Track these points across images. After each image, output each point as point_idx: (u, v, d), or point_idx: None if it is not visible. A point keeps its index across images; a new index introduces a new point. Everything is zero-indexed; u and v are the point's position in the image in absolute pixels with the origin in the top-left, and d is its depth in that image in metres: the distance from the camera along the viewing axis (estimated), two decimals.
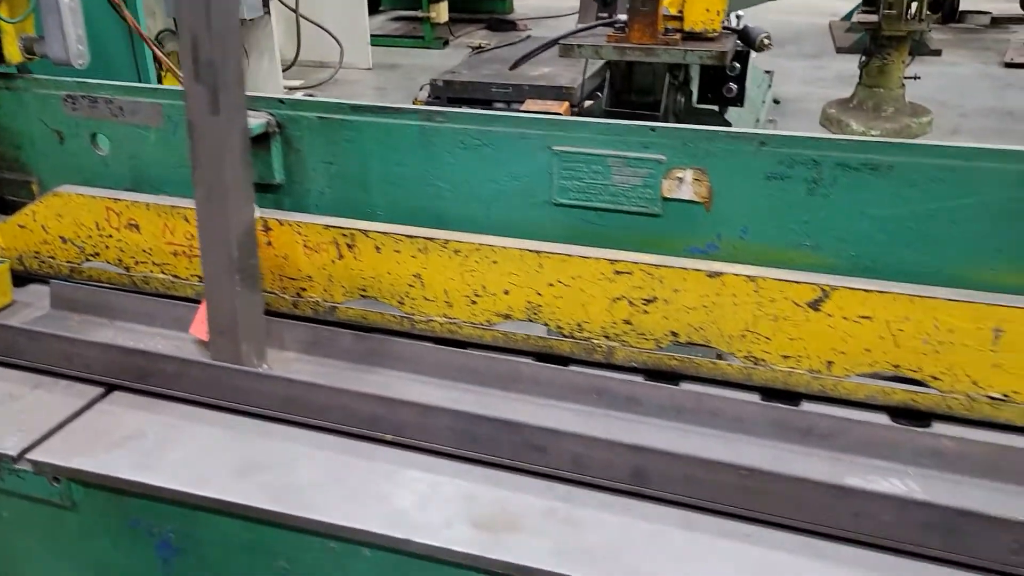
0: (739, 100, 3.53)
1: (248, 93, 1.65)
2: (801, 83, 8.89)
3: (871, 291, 1.46)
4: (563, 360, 1.67)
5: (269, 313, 1.77)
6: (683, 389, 1.50)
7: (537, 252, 1.61)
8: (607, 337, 1.64)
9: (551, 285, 1.62)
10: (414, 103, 7.28)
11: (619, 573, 1.19)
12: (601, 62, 3.75)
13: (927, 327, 1.45)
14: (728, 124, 3.64)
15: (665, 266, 1.55)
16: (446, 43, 9.47)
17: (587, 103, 4.31)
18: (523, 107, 5.59)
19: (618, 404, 1.51)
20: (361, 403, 1.41)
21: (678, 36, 3.19)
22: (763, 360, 1.56)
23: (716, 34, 3.21)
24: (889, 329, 1.47)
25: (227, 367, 1.49)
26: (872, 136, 6.96)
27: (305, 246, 1.73)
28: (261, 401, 1.46)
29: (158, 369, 1.53)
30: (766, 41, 3.32)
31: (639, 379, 1.55)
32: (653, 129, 1.59)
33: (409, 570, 1.28)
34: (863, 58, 6.97)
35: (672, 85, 3.44)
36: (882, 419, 1.46)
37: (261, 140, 1.77)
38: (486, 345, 1.70)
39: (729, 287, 1.53)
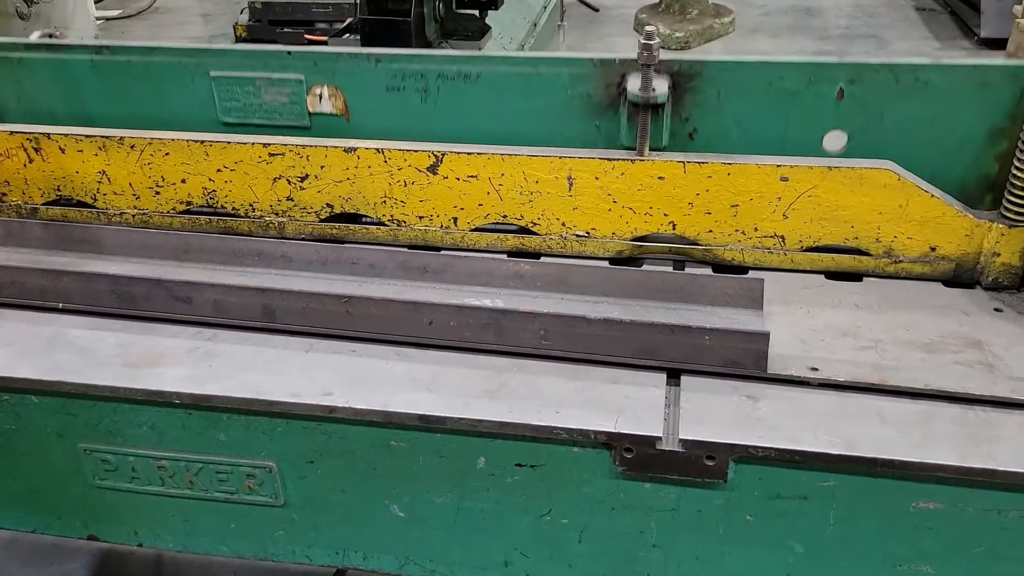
0: (494, 4, 3.77)
1: None
2: None
3: (472, 153, 1.75)
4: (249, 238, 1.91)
5: None
6: (326, 245, 1.76)
7: (201, 142, 1.83)
8: (276, 214, 1.89)
9: (219, 171, 1.86)
10: (235, 27, 7.23)
11: (236, 387, 1.46)
12: None
13: (519, 180, 1.76)
14: (487, 28, 3.89)
15: (310, 145, 1.80)
16: None
17: None
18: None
19: (274, 263, 1.77)
20: (28, 277, 1.62)
21: None
22: (404, 221, 1.85)
23: None
24: (492, 185, 1.77)
25: None
26: (676, 38, 7.37)
27: None
28: None
29: None
30: None
31: (294, 241, 1.81)
32: (289, 53, 1.83)
33: (70, 408, 1.52)
34: None
35: None
36: (485, 256, 1.77)
37: None
38: (177, 231, 1.93)
39: (364, 160, 1.80)
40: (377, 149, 1.78)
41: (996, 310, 1.60)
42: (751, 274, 1.74)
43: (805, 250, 1.71)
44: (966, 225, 1.62)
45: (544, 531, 1.48)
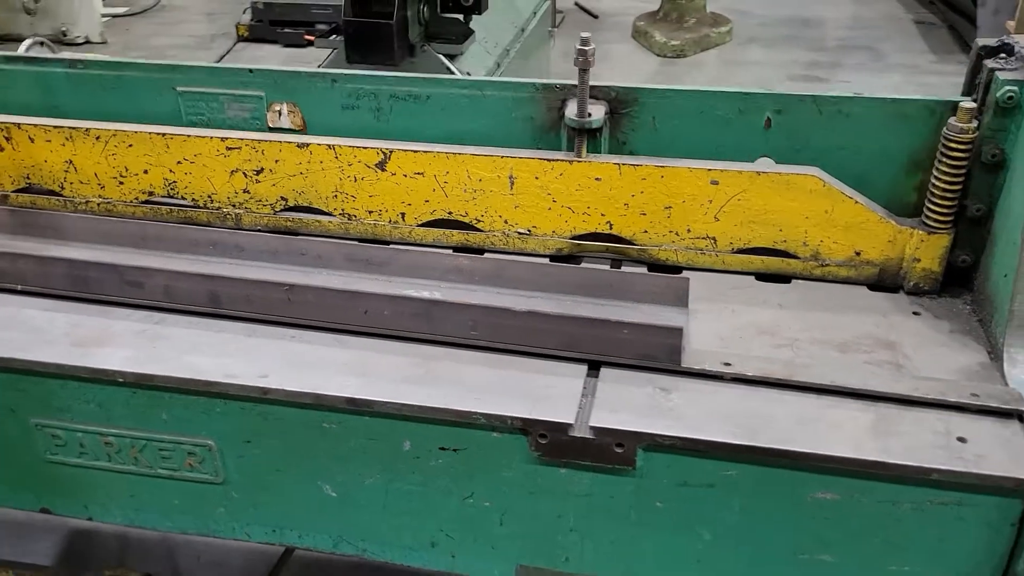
0: (477, 8, 3.85)
1: None
2: None
3: (419, 151, 1.82)
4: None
5: None
6: (277, 236, 1.83)
7: (162, 134, 1.91)
8: (233, 205, 1.96)
9: (179, 163, 1.93)
10: (237, 27, 7.35)
11: (179, 368, 1.53)
12: None
13: (463, 178, 1.82)
14: (471, 32, 3.97)
15: (265, 140, 1.88)
16: None
17: None
18: None
19: (228, 252, 1.84)
20: None
21: None
22: (354, 215, 1.92)
23: None
24: (438, 182, 1.84)
25: None
26: (672, 45, 7.45)
27: None
28: None
29: None
30: None
31: (248, 232, 1.88)
32: (251, 71, 1.91)
33: (21, 384, 1.59)
34: None
35: None
36: (427, 250, 1.84)
37: None
38: (138, 220, 2.00)
39: (316, 155, 1.87)
40: (328, 145, 1.85)
41: (915, 313, 1.66)
42: (684, 273, 1.80)
43: (736, 252, 1.77)
44: (889, 231, 1.69)
45: (468, 513, 1.55)
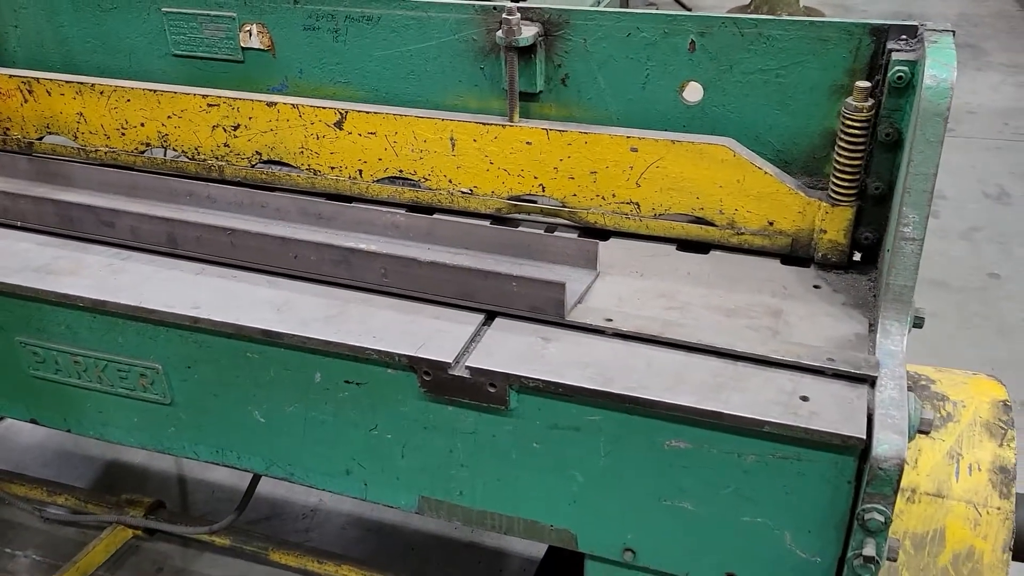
0: None
1: None
2: None
3: (370, 112, 1.97)
4: (194, 179, 2.19)
5: None
6: (243, 190, 2.02)
7: (154, 91, 2.12)
8: (216, 158, 2.16)
9: (170, 117, 2.14)
10: None
11: (129, 296, 1.74)
12: None
13: (410, 139, 1.96)
14: None
15: (239, 99, 2.06)
16: None
17: None
18: None
19: (200, 202, 2.05)
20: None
21: None
22: (319, 171, 2.09)
23: None
24: (389, 142, 1.99)
25: None
26: None
27: None
28: None
29: None
30: None
31: (219, 185, 2.08)
32: None
33: (6, 305, 1.83)
34: None
35: None
36: (384, 208, 1.99)
37: None
38: (140, 169, 2.23)
39: (283, 114, 2.04)
40: (293, 104, 2.02)
41: (815, 287, 1.70)
42: (611, 239, 1.89)
43: (658, 217, 1.85)
44: (798, 202, 1.72)
45: (373, 444, 1.69)
